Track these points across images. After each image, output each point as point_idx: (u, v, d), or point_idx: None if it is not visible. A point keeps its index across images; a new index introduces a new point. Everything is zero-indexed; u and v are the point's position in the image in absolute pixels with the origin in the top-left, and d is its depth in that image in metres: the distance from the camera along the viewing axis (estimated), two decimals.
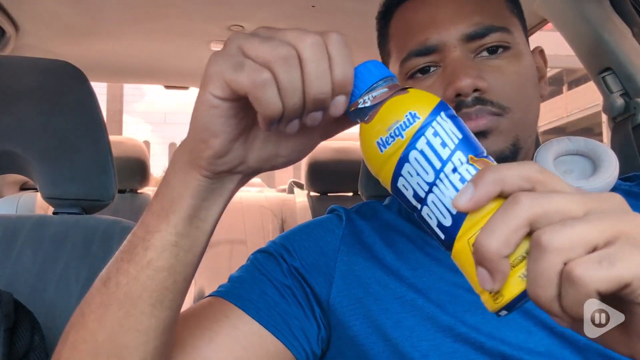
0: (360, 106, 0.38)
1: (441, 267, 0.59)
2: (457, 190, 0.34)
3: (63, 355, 0.45)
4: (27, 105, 0.86)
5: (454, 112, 0.37)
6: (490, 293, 0.33)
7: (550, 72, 15.55)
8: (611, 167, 0.61)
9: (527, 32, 0.68)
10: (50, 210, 0.92)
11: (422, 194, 0.35)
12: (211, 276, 1.98)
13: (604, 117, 1.15)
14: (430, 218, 0.35)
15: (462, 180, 0.34)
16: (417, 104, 0.36)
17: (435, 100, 0.37)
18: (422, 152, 0.35)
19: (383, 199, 0.72)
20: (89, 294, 0.46)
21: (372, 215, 0.67)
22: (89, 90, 0.89)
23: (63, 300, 0.79)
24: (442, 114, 0.36)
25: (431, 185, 0.35)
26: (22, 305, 0.70)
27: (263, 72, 0.36)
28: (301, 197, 2.26)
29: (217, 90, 0.37)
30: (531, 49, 0.69)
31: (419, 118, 0.35)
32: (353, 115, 0.39)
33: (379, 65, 0.39)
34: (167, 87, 2.01)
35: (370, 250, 0.62)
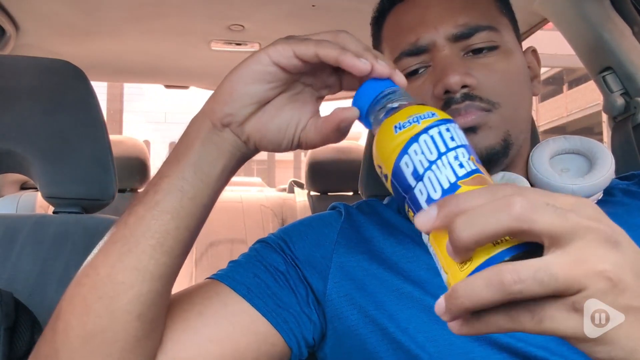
0: (389, 106, 0.42)
1: None
2: (454, 170, 0.36)
3: (68, 291, 0.48)
4: (28, 105, 0.86)
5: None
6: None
7: (550, 72, 15.55)
8: (607, 166, 0.61)
9: (519, 32, 0.68)
10: (50, 209, 0.92)
11: (421, 171, 0.37)
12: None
13: (604, 117, 1.15)
14: (422, 194, 0.37)
15: (461, 165, 0.36)
16: (437, 110, 0.40)
17: (447, 115, 0.40)
18: (432, 137, 0.37)
19: (383, 199, 0.72)
20: (101, 241, 0.50)
21: (371, 211, 0.68)
22: (89, 90, 0.89)
23: None
24: (458, 126, 0.39)
25: (432, 163, 0.37)
26: (22, 304, 0.70)
27: (323, 38, 0.45)
28: (301, 197, 2.26)
29: (278, 56, 0.45)
30: (531, 49, 0.69)
31: (436, 115, 0.39)
32: (373, 119, 0.44)
33: (383, 80, 0.45)
34: (168, 86, 2.01)
35: (368, 244, 0.63)
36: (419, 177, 0.37)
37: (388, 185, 0.40)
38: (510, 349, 0.53)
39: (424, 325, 0.56)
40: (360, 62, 0.43)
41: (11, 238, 0.82)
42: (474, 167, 0.37)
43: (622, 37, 0.99)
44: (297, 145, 0.50)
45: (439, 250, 0.36)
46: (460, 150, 0.37)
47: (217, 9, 1.29)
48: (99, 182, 0.88)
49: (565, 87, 16.29)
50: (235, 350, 0.54)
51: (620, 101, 1.02)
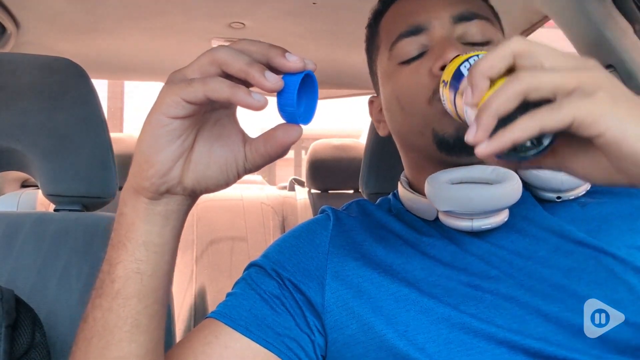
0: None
1: (432, 261, 0.60)
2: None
3: None
4: (28, 103, 0.86)
5: None
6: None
7: None
8: None
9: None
10: (51, 207, 0.92)
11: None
12: (212, 273, 1.98)
13: None
14: (466, 68, 0.50)
15: None
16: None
17: None
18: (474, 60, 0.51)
19: (384, 196, 0.72)
20: (77, 333, 0.49)
21: (361, 213, 0.68)
22: (90, 87, 0.89)
23: (64, 297, 0.79)
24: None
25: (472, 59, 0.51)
26: (23, 302, 0.70)
27: (210, 77, 0.41)
28: (302, 195, 2.26)
29: (170, 109, 0.42)
30: None
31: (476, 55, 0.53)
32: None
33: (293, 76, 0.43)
34: None
35: (360, 249, 0.63)
36: (465, 61, 0.53)
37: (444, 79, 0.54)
38: (509, 342, 0.53)
39: (422, 326, 0.56)
40: (254, 100, 0.40)
41: (12, 236, 0.82)
42: None
43: (623, 35, 0.99)
44: (243, 174, 0.48)
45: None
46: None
47: (217, 7, 1.29)
48: (100, 180, 0.88)
49: None
50: None
51: None
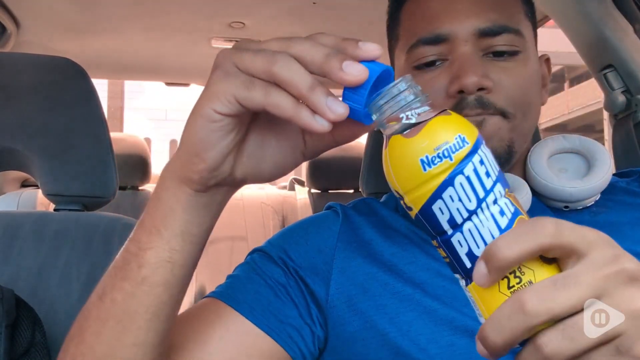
0: (404, 122, 0.36)
1: (438, 263, 0.59)
2: (496, 222, 0.34)
3: None
4: (28, 102, 0.86)
5: None
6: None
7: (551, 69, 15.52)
8: (605, 167, 0.61)
9: (536, 37, 0.67)
10: (51, 207, 0.92)
11: (459, 221, 0.34)
12: (212, 272, 1.98)
13: (606, 115, 1.15)
14: (461, 245, 0.34)
15: (502, 212, 0.34)
16: (463, 127, 0.35)
17: (475, 128, 0.36)
18: (468, 178, 0.34)
19: (381, 197, 0.72)
20: (86, 308, 0.46)
21: (368, 211, 0.67)
22: (90, 87, 0.89)
23: (64, 296, 0.79)
24: (484, 143, 0.36)
25: (471, 213, 0.34)
26: (23, 301, 0.70)
27: (269, 84, 0.37)
28: (302, 194, 2.26)
29: (223, 107, 0.38)
30: (545, 57, 0.68)
31: (467, 143, 0.34)
32: (380, 121, 0.38)
33: (405, 79, 0.37)
34: (168, 84, 2.00)
35: (367, 247, 0.62)
36: (457, 227, 0.34)
37: (411, 214, 0.36)
38: (511, 350, 0.53)
39: (425, 327, 0.55)
40: (317, 124, 0.36)
41: (12, 235, 0.82)
42: (513, 211, 0.34)
43: (623, 35, 0.99)
44: (302, 161, 0.46)
45: (480, 299, 0.35)
46: (497, 189, 0.34)
47: (218, 7, 1.29)
48: (100, 180, 0.88)
49: (566, 84, 16.26)
50: None
51: (621, 99, 1.02)
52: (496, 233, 0.33)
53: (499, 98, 0.58)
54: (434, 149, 0.34)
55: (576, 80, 15.68)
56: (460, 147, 0.34)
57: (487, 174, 0.34)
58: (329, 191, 2.17)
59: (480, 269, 0.33)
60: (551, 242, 0.31)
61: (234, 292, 0.57)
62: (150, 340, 0.44)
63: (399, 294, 0.58)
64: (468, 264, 0.34)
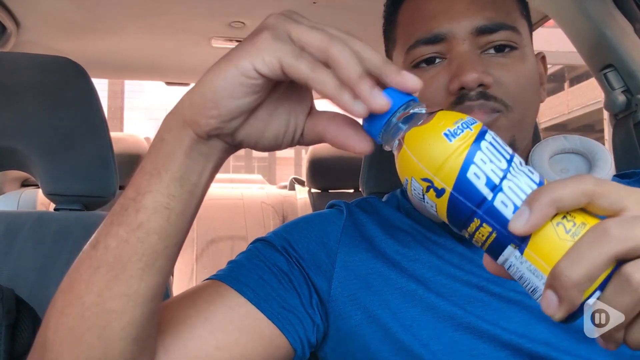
0: (412, 112, 0.38)
1: (441, 260, 0.60)
2: (530, 177, 0.35)
3: (52, 320, 0.45)
4: (28, 102, 0.86)
5: None
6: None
7: (551, 69, 15.52)
8: (606, 166, 0.61)
9: (532, 37, 0.68)
10: (51, 206, 0.92)
11: (497, 180, 0.35)
12: (212, 272, 1.97)
13: (606, 114, 1.15)
14: (506, 205, 0.35)
15: (530, 171, 0.36)
16: (468, 115, 0.38)
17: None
18: (491, 143, 0.36)
19: (383, 196, 0.72)
20: (77, 259, 0.46)
21: (372, 210, 0.68)
22: (90, 87, 0.89)
23: None
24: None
25: (506, 171, 0.35)
26: (23, 301, 0.70)
27: (317, 62, 0.38)
28: (302, 194, 2.26)
29: (264, 67, 0.38)
30: (541, 55, 0.69)
31: (477, 121, 0.37)
32: (389, 131, 0.39)
33: (398, 91, 0.39)
34: (168, 83, 2.00)
35: (371, 243, 0.63)
36: (496, 188, 0.35)
37: (442, 201, 0.36)
38: (514, 346, 0.53)
39: (428, 323, 0.56)
40: (356, 108, 0.38)
41: (12, 235, 0.82)
42: (538, 175, 0.36)
43: (623, 35, 0.99)
44: (293, 145, 0.46)
45: (541, 257, 0.34)
46: (517, 157, 0.37)
47: (218, 6, 1.29)
48: (100, 179, 0.88)
49: (566, 84, 16.26)
50: (242, 355, 0.54)
51: (621, 98, 1.02)
52: (534, 185, 0.35)
53: (499, 92, 0.58)
54: (453, 123, 0.36)
55: (576, 79, 15.67)
56: (474, 122, 0.37)
57: (504, 144, 0.37)
58: (329, 191, 2.17)
59: (522, 212, 0.33)
60: (594, 190, 0.32)
61: (238, 276, 0.57)
62: (141, 292, 0.43)
63: (402, 289, 0.58)
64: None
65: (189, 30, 1.44)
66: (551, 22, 1.18)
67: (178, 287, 1.94)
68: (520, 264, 0.34)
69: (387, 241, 0.62)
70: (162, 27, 1.41)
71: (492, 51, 0.60)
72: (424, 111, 0.38)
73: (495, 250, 0.35)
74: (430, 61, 0.61)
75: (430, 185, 0.36)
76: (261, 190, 2.55)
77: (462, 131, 0.36)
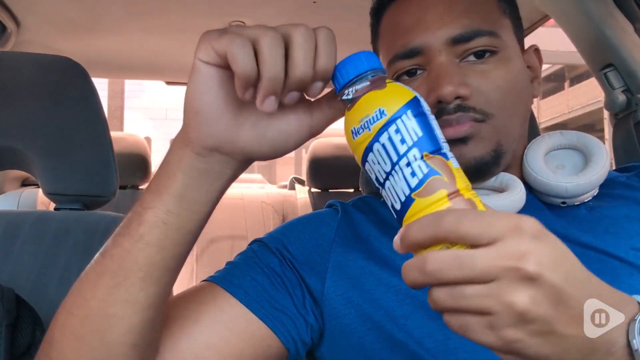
0: (343, 97, 0.43)
1: None
2: (407, 181, 0.39)
3: (59, 319, 0.48)
4: (28, 101, 0.86)
5: (424, 109, 0.41)
6: None
7: (552, 69, 15.52)
8: (601, 162, 0.61)
9: (522, 31, 0.67)
10: (51, 206, 0.92)
11: (382, 180, 0.40)
12: (212, 271, 1.97)
13: (606, 114, 1.15)
14: (387, 200, 0.41)
15: (413, 174, 0.39)
16: (388, 101, 0.40)
17: (407, 96, 0.41)
18: (383, 146, 0.40)
19: (381, 196, 0.72)
20: (88, 266, 0.48)
21: (368, 209, 0.68)
22: (90, 86, 0.89)
23: (64, 295, 0.78)
24: (409, 112, 0.40)
25: (387, 174, 0.40)
26: (23, 300, 0.70)
27: (241, 36, 0.40)
28: (302, 194, 2.26)
29: (203, 54, 0.42)
30: (533, 47, 0.68)
31: (385, 115, 0.40)
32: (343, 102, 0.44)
33: (370, 56, 0.43)
34: (169, 83, 2.01)
35: (365, 242, 0.63)
36: (381, 185, 0.41)
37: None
38: None
39: (422, 320, 0.56)
40: (263, 104, 0.41)
41: (13, 234, 0.82)
42: (426, 171, 0.39)
43: (624, 34, 0.99)
44: (309, 138, 0.48)
45: None
46: (412, 153, 0.39)
47: (218, 6, 1.29)
48: (100, 179, 0.88)
49: (566, 84, 16.25)
50: (232, 355, 0.55)
51: (621, 98, 1.02)
52: (407, 191, 0.39)
53: (478, 102, 0.58)
54: (358, 121, 0.41)
55: (576, 79, 15.67)
56: (378, 119, 0.40)
57: (402, 141, 0.39)
58: (329, 190, 2.17)
59: (397, 243, 0.39)
60: (446, 235, 0.36)
61: (231, 277, 0.59)
62: (141, 300, 0.46)
63: (394, 288, 0.58)
64: (394, 215, 0.41)
65: (189, 30, 1.44)
66: (551, 21, 1.17)
67: (178, 286, 1.93)
68: None
69: (382, 239, 0.63)
70: (162, 27, 1.41)
71: (472, 58, 0.59)
72: (350, 96, 0.42)
73: None
74: (411, 73, 0.61)
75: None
76: (261, 189, 2.55)
77: (363, 131, 0.40)
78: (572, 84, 16.03)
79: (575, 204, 0.62)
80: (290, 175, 2.62)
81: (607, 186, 0.64)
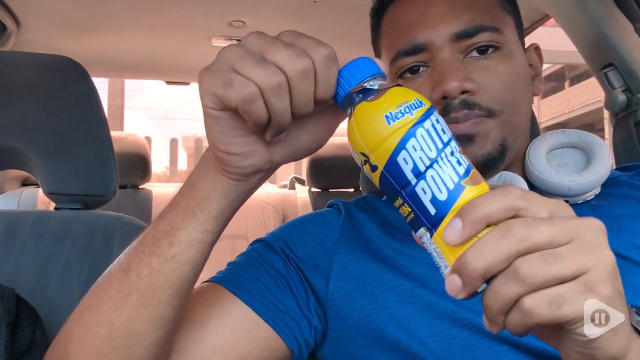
0: (367, 86, 0.41)
1: None
2: (455, 169, 0.38)
3: (75, 336, 0.47)
4: (29, 101, 0.86)
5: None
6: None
7: (552, 68, 15.51)
8: (604, 160, 0.61)
9: (522, 29, 0.67)
10: (51, 205, 0.92)
11: (422, 169, 0.37)
12: (212, 271, 1.97)
13: (606, 113, 1.15)
14: (425, 193, 0.37)
15: (459, 162, 0.38)
16: (419, 95, 0.39)
17: (427, 100, 0.40)
18: (427, 131, 0.38)
19: (383, 195, 0.72)
20: (105, 279, 0.48)
21: (370, 209, 0.68)
22: (90, 86, 0.89)
23: (65, 295, 0.79)
24: (436, 111, 0.40)
25: (433, 161, 0.37)
26: (24, 300, 0.70)
27: (250, 87, 0.39)
28: (302, 193, 2.26)
29: (211, 103, 0.41)
30: (534, 46, 0.68)
31: (424, 104, 0.39)
32: (347, 100, 0.42)
33: (369, 62, 0.42)
34: (169, 82, 2.01)
35: (369, 242, 0.63)
36: (420, 175, 0.38)
37: (375, 176, 0.39)
38: (512, 340, 0.53)
39: (425, 320, 0.56)
40: (272, 138, 0.43)
41: (13, 234, 0.82)
42: (467, 163, 0.38)
43: (624, 34, 0.98)
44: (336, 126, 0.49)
45: (447, 247, 0.37)
46: (453, 144, 0.39)
47: (218, 5, 1.29)
48: (100, 179, 0.88)
49: (567, 83, 16.25)
50: (238, 357, 0.55)
51: (622, 97, 1.02)
52: (456, 179, 0.37)
53: (484, 98, 0.58)
54: (396, 106, 0.38)
55: (577, 79, 15.66)
56: (419, 106, 0.38)
57: (443, 131, 0.39)
58: (329, 190, 2.17)
59: (455, 225, 0.35)
60: (518, 204, 0.35)
61: (235, 278, 0.58)
62: (167, 314, 0.46)
63: (397, 288, 0.58)
64: (432, 211, 0.37)
65: (190, 30, 1.44)
66: (551, 21, 1.17)
67: None
68: (430, 244, 0.38)
69: (385, 239, 0.62)
70: (163, 26, 1.41)
71: (475, 54, 0.59)
72: (376, 87, 0.40)
73: (413, 227, 0.39)
74: (414, 70, 0.61)
75: (366, 160, 0.40)
76: (261, 189, 2.54)
77: (403, 115, 0.38)
78: (572, 83, 16.02)
79: (578, 202, 0.62)
80: (291, 174, 2.62)
81: (609, 185, 0.64)
